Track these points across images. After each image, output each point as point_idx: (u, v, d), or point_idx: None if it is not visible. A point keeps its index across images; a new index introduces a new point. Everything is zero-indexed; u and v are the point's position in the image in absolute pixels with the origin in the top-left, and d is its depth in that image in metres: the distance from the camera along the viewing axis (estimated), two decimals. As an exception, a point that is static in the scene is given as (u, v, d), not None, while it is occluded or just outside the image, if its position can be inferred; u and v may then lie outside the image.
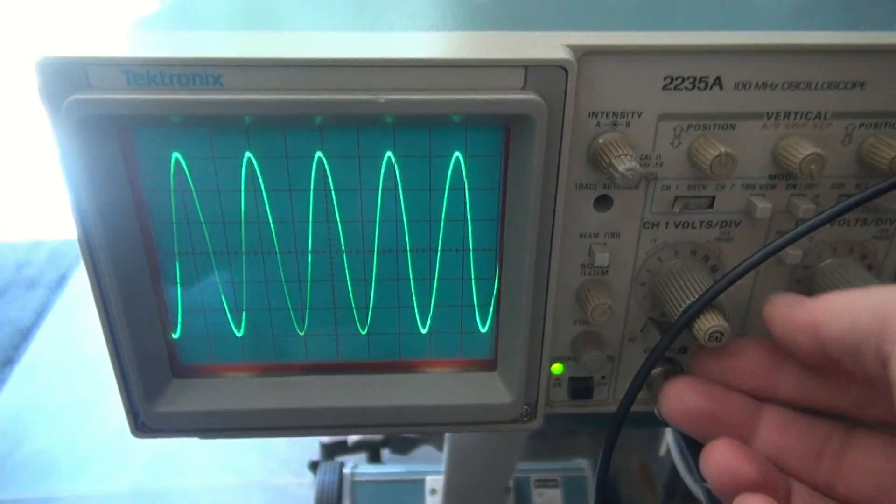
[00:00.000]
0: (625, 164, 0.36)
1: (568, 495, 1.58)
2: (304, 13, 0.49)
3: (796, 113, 0.39)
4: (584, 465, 1.64)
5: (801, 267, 0.44)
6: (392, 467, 1.67)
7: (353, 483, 1.63)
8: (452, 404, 0.44)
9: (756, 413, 0.40)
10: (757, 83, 0.38)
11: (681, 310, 0.41)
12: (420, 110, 0.34)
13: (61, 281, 2.74)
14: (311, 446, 2.00)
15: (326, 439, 1.92)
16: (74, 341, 2.33)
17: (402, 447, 1.96)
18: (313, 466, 1.91)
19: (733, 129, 0.40)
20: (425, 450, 1.95)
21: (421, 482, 1.59)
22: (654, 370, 0.47)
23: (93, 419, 2.03)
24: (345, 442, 1.94)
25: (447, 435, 1.29)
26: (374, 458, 1.93)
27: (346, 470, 1.64)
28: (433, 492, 1.57)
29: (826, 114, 0.40)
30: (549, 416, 0.49)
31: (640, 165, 0.40)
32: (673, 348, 0.47)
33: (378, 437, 1.94)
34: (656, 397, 0.46)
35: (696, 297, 0.40)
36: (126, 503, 1.86)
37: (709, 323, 0.39)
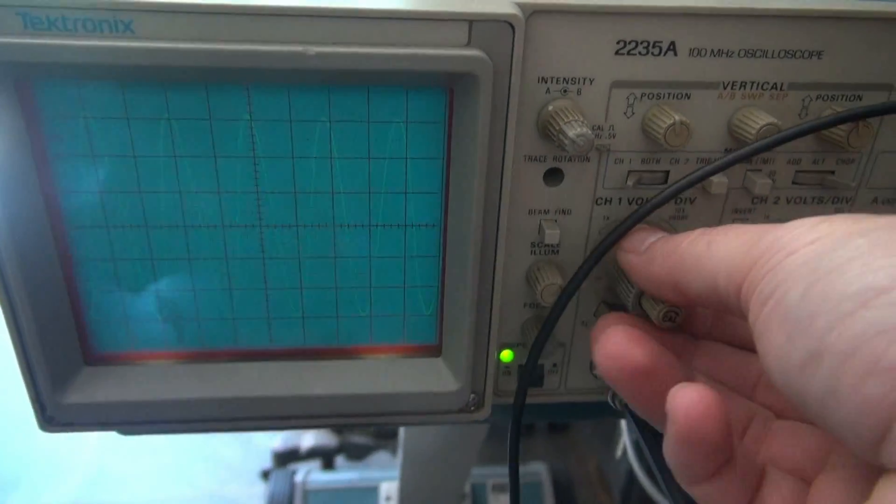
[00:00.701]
0: (575, 130, 0.34)
1: (525, 500, 1.56)
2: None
3: (752, 83, 0.38)
4: (541, 470, 1.63)
5: (757, 247, 0.43)
6: (346, 474, 1.63)
7: (305, 492, 1.58)
8: (395, 392, 0.41)
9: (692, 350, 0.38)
10: (712, 50, 0.37)
11: (635, 290, 0.39)
12: (353, 65, 0.31)
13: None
14: (263, 454, 1.94)
15: (278, 447, 1.87)
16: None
17: (357, 454, 1.92)
18: (265, 475, 1.85)
19: (688, 98, 0.38)
20: (380, 456, 1.91)
21: (375, 489, 1.56)
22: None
23: (25, 427, 1.93)
24: (297, 449, 1.89)
25: (401, 439, 1.26)
26: (328, 465, 1.88)
27: (298, 478, 1.59)
28: (388, 499, 1.53)
29: (782, 84, 0.38)
30: (498, 406, 0.46)
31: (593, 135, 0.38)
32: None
33: (332, 443, 1.89)
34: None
35: (650, 276, 0.38)
36: (63, 519, 1.78)
37: (660, 302, 0.37)
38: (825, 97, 0.39)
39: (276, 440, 1.85)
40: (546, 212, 0.40)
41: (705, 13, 0.36)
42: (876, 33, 0.37)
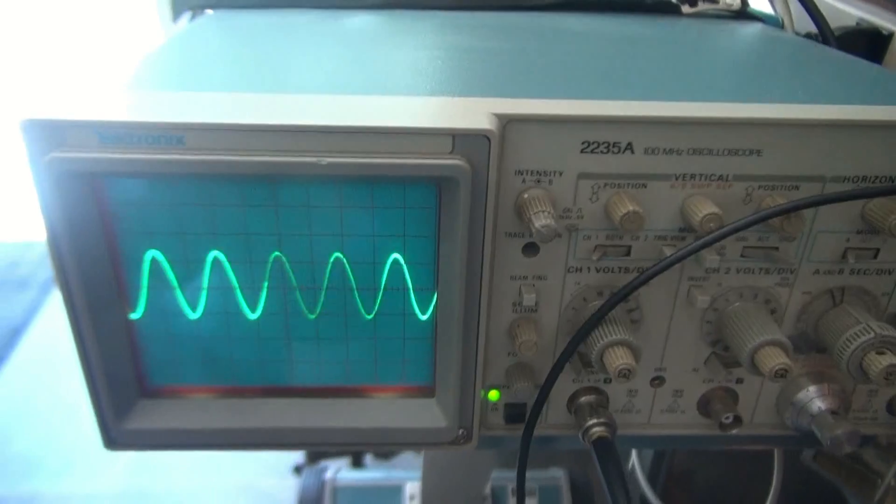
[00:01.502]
0: (541, 221, 0.41)
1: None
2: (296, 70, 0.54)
3: (701, 175, 0.44)
4: (559, 475, 1.68)
5: (712, 310, 0.49)
6: (372, 473, 1.71)
7: (334, 488, 1.67)
8: (394, 427, 0.49)
9: None
10: (664, 149, 0.43)
11: (598, 347, 0.45)
12: (357, 172, 0.39)
13: (52, 281, 2.77)
14: (296, 451, 2.03)
15: (310, 444, 1.96)
16: (64, 341, 2.37)
17: (385, 453, 2.00)
18: (297, 470, 1.95)
19: (645, 187, 0.44)
20: (407, 456, 1.99)
21: (400, 488, 1.63)
22: (581, 399, 0.52)
23: (79, 419, 2.06)
24: (328, 447, 1.97)
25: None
26: (357, 462, 1.97)
27: (328, 475, 1.68)
28: (412, 498, 1.61)
29: (728, 176, 0.44)
30: (487, 437, 0.54)
31: (563, 217, 0.45)
32: (599, 379, 0.52)
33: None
34: (581, 424, 0.50)
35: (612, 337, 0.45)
36: (111, 502, 1.90)
37: (618, 360, 0.44)
38: (766, 187, 0.45)
39: (307, 437, 1.95)
40: (525, 278, 0.47)
41: (657, 121, 0.42)
42: (807, 134, 0.43)
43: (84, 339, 0.44)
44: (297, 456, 2.00)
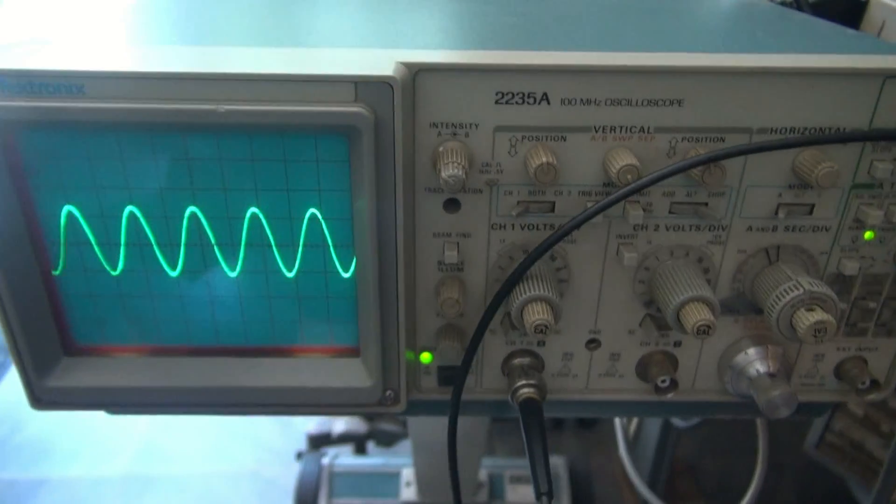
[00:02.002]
0: (448, 171, 0.40)
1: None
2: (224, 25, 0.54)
3: (621, 127, 0.43)
4: (559, 463, 1.67)
5: (643, 269, 0.48)
6: (371, 459, 1.72)
7: (332, 474, 1.67)
8: (320, 387, 0.48)
9: None
10: (581, 99, 0.42)
11: (517, 304, 0.44)
12: (257, 120, 0.39)
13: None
14: (300, 437, 2.05)
15: (313, 430, 1.97)
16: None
17: (386, 440, 2.01)
18: (300, 457, 1.96)
19: (564, 140, 0.43)
20: (408, 444, 1.99)
21: (397, 474, 1.63)
22: (514, 361, 0.51)
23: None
24: (329, 434, 1.99)
25: (410, 429, 1.33)
26: (360, 449, 1.97)
27: (325, 461, 1.68)
28: (408, 484, 1.61)
29: (649, 128, 0.43)
30: (423, 401, 0.53)
31: (482, 172, 0.44)
32: (532, 341, 0.51)
33: (362, 429, 1.98)
34: (511, 386, 0.50)
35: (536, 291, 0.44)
36: (117, 488, 1.93)
37: (534, 315, 0.43)
38: (690, 139, 0.43)
39: (311, 424, 1.96)
40: (448, 235, 0.47)
41: (572, 69, 0.41)
42: (731, 83, 0.42)
43: (1, 296, 0.44)
44: (300, 443, 2.01)
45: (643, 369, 0.52)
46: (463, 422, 1.15)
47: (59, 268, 0.46)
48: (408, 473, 1.62)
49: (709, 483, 1.70)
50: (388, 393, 0.49)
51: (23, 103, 0.38)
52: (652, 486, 1.69)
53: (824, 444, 1.06)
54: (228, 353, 0.50)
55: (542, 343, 0.51)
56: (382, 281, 0.45)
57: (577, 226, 0.42)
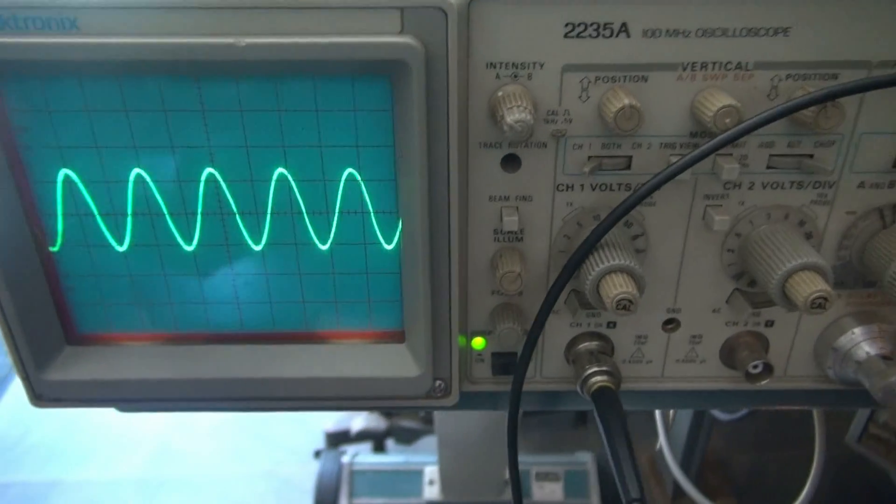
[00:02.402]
0: (513, 116, 0.34)
1: (569, 489, 1.54)
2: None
3: (714, 63, 0.36)
4: (587, 459, 1.60)
5: (733, 235, 0.41)
6: (392, 457, 1.66)
7: (352, 472, 1.62)
8: (359, 377, 0.42)
9: None
10: (667, 30, 0.35)
11: (592, 276, 0.38)
12: (284, 55, 0.32)
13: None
14: (317, 435, 1.99)
15: (331, 428, 1.92)
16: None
17: (406, 437, 1.95)
18: (318, 455, 1.91)
19: (645, 81, 0.37)
20: (429, 440, 1.93)
21: (419, 472, 1.58)
22: (581, 346, 0.45)
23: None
24: (348, 431, 1.93)
25: (436, 425, 1.27)
26: (379, 447, 1.92)
27: (345, 459, 1.63)
28: (431, 482, 1.55)
29: (747, 64, 0.36)
30: (477, 393, 0.47)
31: (547, 121, 0.37)
32: (602, 323, 0.44)
33: (381, 427, 1.93)
34: (580, 374, 0.43)
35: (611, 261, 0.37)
36: (131, 490, 1.88)
37: (616, 288, 0.36)
38: (796, 76, 0.36)
39: (328, 422, 1.90)
40: (506, 198, 0.40)
41: (657, -9, 0.34)
42: (849, 6, 0.35)
43: (-6, 276, 0.38)
44: (318, 441, 1.96)
45: (729, 353, 0.45)
46: (490, 416, 1.09)
47: (58, 244, 0.40)
48: (430, 471, 1.56)
49: (740, 478, 1.63)
50: (437, 384, 0.43)
51: (5, 40, 0.32)
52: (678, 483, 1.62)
53: (867, 436, 1.00)
54: (253, 339, 0.43)
55: (611, 324, 0.44)
56: (433, 253, 0.38)
57: (665, 181, 0.36)
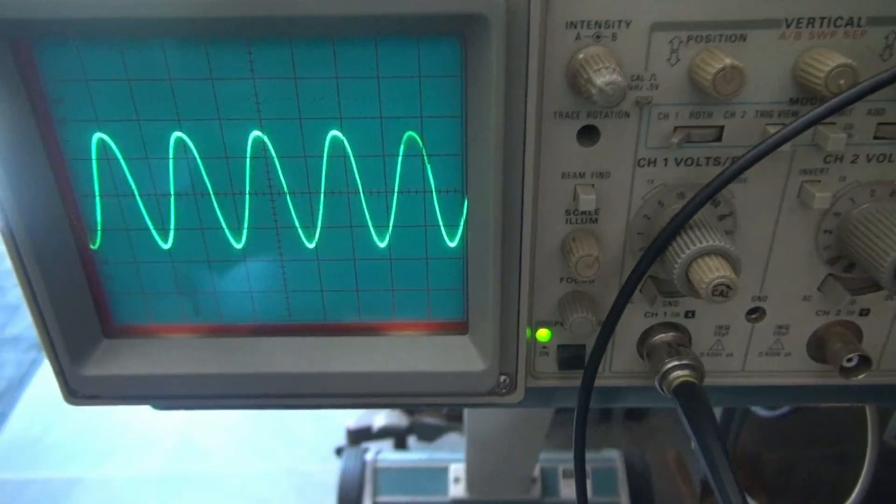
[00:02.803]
0: (604, 77, 0.30)
1: (598, 487, 1.51)
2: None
3: (822, 19, 0.32)
4: (615, 457, 1.57)
5: (832, 214, 0.37)
6: (415, 454, 1.63)
7: (376, 470, 1.59)
8: (418, 371, 0.39)
9: None
10: (772, -19, 0.32)
11: (682, 259, 0.34)
12: (350, 9, 0.29)
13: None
14: (337, 432, 1.97)
15: (352, 425, 1.90)
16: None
17: (429, 434, 1.92)
18: (339, 452, 1.88)
19: (743, 40, 0.33)
20: (451, 437, 1.90)
21: (444, 470, 1.55)
22: (656, 338, 0.41)
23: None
24: (370, 428, 1.91)
25: (466, 421, 1.24)
26: (401, 444, 1.89)
27: (369, 456, 1.60)
28: (457, 480, 1.52)
29: (859, 19, 0.32)
30: (538, 389, 0.43)
31: (631, 88, 0.34)
32: (679, 312, 0.41)
33: (404, 423, 1.90)
34: (658, 368, 0.39)
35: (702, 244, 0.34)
36: (152, 486, 1.87)
37: (713, 273, 0.33)
38: (914, 33, 0.33)
39: (349, 419, 1.88)
40: (581, 175, 0.36)
41: (763, -63, 0.31)
42: (980, -49, 0.31)
43: (25, 266, 0.35)
44: (338, 438, 1.94)
45: (818, 345, 0.41)
46: (521, 412, 1.05)
47: (97, 230, 0.36)
48: (455, 469, 1.53)
49: (771, 475, 1.59)
50: (502, 379, 0.39)
51: (40, -2, 0.29)
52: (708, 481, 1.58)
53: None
54: (302, 331, 0.40)
55: (690, 314, 0.41)
56: (504, 236, 0.34)
57: (768, 152, 0.32)
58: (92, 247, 0.37)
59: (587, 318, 0.38)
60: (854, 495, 0.94)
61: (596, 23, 0.32)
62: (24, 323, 2.35)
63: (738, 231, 0.38)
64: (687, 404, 0.37)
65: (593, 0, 0.32)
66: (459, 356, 0.39)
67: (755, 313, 0.41)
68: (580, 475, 0.41)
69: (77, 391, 0.39)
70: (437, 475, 1.55)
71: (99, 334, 0.39)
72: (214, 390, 0.40)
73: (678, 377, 0.38)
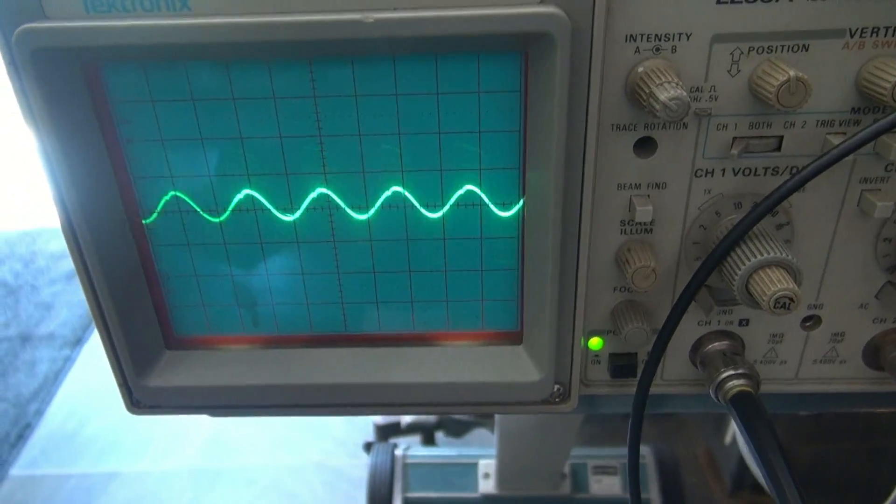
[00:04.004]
0: (668, 93, 0.30)
1: (628, 483, 1.50)
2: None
3: (887, 28, 0.32)
4: (644, 452, 1.56)
5: (891, 223, 0.37)
6: (445, 450, 1.64)
7: (406, 465, 1.60)
8: (473, 381, 0.39)
9: None
10: (837, -9, 0.31)
11: (742, 271, 0.34)
12: (415, 32, 0.29)
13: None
14: (366, 427, 1.99)
15: (380, 420, 1.91)
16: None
17: (457, 430, 1.93)
18: (368, 448, 1.90)
19: (806, 50, 0.33)
20: (480, 433, 1.91)
21: (474, 466, 1.55)
22: (710, 346, 0.41)
23: (153, 398, 2.06)
24: (398, 423, 1.92)
25: (497, 418, 1.24)
26: (429, 440, 1.90)
27: (398, 452, 1.61)
28: (486, 476, 1.53)
29: (925, 28, 0.32)
30: (587, 397, 0.43)
31: (691, 99, 0.34)
32: (733, 321, 0.41)
33: (432, 419, 1.91)
34: (713, 377, 0.39)
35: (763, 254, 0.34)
36: (185, 481, 1.90)
37: (774, 285, 0.33)
38: (984, 41, 0.32)
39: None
40: (637, 186, 0.36)
41: (828, -53, 0.30)
42: None
43: (93, 281, 0.35)
44: (367, 433, 1.95)
45: (874, 352, 0.41)
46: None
47: (158, 244, 0.37)
48: (485, 465, 1.54)
49: (803, 471, 1.57)
50: (557, 388, 0.39)
51: (111, 23, 0.29)
52: (740, 474, 1.57)
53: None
54: (357, 342, 0.41)
55: (744, 322, 0.41)
56: (563, 248, 0.35)
57: (834, 162, 0.32)
58: (153, 252, 0.38)
59: (642, 328, 0.38)
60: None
61: (656, 36, 0.32)
62: (59, 320, 2.40)
63: (796, 240, 0.38)
64: (744, 414, 0.37)
65: (653, 13, 0.32)
66: (514, 366, 0.39)
67: (810, 321, 0.40)
68: (634, 485, 0.41)
69: (140, 401, 0.40)
70: (466, 471, 1.56)
71: (162, 346, 0.40)
72: (271, 400, 0.40)
73: (734, 387, 0.38)
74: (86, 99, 0.32)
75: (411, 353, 0.40)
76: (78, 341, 2.40)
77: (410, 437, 1.88)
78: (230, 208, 0.36)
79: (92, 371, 2.25)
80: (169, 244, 0.37)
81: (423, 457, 1.62)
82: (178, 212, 0.36)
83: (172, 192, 0.36)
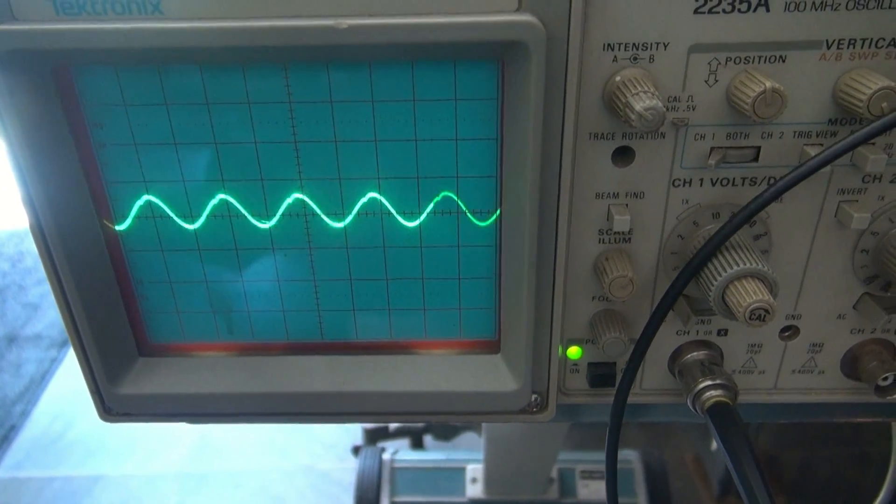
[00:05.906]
0: (643, 103, 0.30)
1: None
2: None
3: (864, 40, 0.32)
4: (632, 457, 1.56)
5: (869, 233, 0.37)
6: (432, 454, 1.63)
7: (393, 469, 1.60)
8: (449, 391, 0.39)
9: None
10: (813, 3, 0.31)
11: (718, 282, 0.34)
12: (389, 38, 0.29)
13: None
14: (354, 430, 1.98)
15: (369, 424, 1.90)
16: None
17: (445, 433, 1.92)
18: (356, 451, 1.89)
19: (783, 61, 0.33)
20: (468, 437, 1.90)
21: (461, 470, 1.55)
22: (688, 356, 0.41)
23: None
24: (386, 427, 1.92)
25: (484, 423, 1.24)
26: (417, 443, 1.90)
27: (386, 456, 1.61)
28: (474, 480, 1.52)
29: (901, 41, 0.32)
30: (567, 406, 0.43)
31: (668, 108, 0.34)
32: (711, 330, 0.40)
33: (420, 423, 1.91)
34: (691, 388, 0.39)
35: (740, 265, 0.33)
36: (171, 484, 1.89)
37: (750, 297, 0.32)
38: (957, 54, 0.32)
39: (366, 418, 1.89)
40: (615, 195, 0.36)
41: (804, -41, 0.30)
42: None
43: (63, 286, 0.35)
44: (355, 437, 1.95)
45: (852, 363, 0.41)
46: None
47: (132, 248, 0.37)
48: (473, 469, 1.54)
49: (789, 476, 1.58)
50: (534, 398, 0.39)
51: (82, 26, 0.29)
52: (728, 480, 1.57)
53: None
54: (334, 349, 0.40)
55: (723, 332, 0.40)
56: (539, 255, 0.34)
57: (811, 173, 0.31)
58: (125, 256, 0.37)
59: (620, 337, 0.38)
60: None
61: (633, 45, 0.32)
62: (46, 321, 2.38)
63: (773, 250, 0.37)
64: (721, 425, 0.37)
65: (631, 22, 0.32)
66: (491, 376, 0.39)
67: (789, 331, 0.40)
68: (612, 493, 0.41)
69: (112, 409, 0.39)
70: (454, 475, 1.56)
71: (135, 353, 0.39)
72: (246, 408, 0.40)
73: (712, 397, 0.38)
74: (57, 102, 0.32)
75: (388, 361, 0.40)
76: (65, 342, 2.38)
77: (399, 441, 1.87)
78: (205, 214, 0.36)
79: (78, 373, 2.24)
80: (143, 250, 0.37)
81: (411, 461, 1.61)
82: (152, 217, 0.36)
83: (146, 198, 0.36)
